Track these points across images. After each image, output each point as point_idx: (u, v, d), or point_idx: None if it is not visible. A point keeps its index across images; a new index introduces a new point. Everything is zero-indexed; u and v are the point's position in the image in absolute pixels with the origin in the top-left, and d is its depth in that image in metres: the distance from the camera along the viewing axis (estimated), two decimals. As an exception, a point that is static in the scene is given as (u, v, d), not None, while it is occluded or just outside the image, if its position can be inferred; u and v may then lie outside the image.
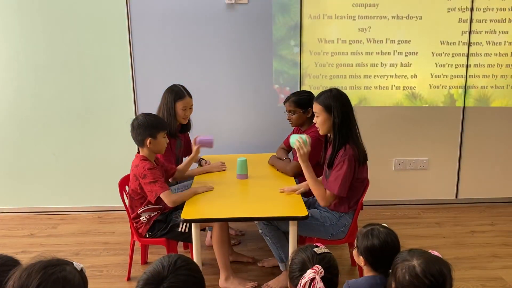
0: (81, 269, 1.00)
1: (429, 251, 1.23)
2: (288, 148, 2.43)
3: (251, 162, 2.18)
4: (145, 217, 1.90)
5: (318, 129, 1.83)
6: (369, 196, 2.13)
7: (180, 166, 2.14)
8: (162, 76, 2.61)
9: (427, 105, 2.69)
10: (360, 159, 1.72)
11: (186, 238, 1.85)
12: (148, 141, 1.81)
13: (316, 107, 1.79)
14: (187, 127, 2.31)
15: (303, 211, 1.69)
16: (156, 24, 2.63)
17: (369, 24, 2.50)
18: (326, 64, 2.58)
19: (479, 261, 2.24)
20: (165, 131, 1.86)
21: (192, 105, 2.21)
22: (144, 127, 1.84)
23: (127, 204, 1.92)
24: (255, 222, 1.93)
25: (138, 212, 1.85)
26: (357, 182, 1.75)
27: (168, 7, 2.60)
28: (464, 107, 2.82)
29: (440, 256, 1.22)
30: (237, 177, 2.09)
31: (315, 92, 2.08)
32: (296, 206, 1.76)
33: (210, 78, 2.71)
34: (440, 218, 2.78)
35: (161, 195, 1.77)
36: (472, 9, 2.57)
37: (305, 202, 1.78)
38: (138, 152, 1.88)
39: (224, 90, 2.74)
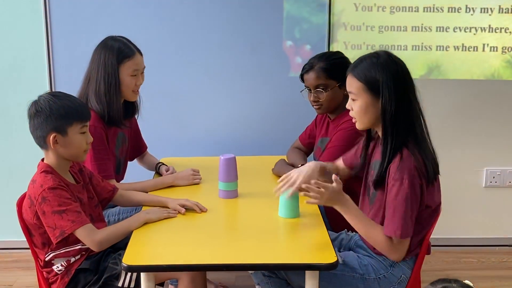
0: None
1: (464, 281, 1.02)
2: (306, 149, 2.13)
3: (244, 169, 1.85)
4: (60, 265, 1.53)
5: (353, 120, 1.55)
6: (440, 230, 1.83)
7: (127, 185, 1.86)
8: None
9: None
10: (429, 174, 1.40)
11: None
12: (51, 139, 1.44)
13: (352, 84, 1.46)
14: (133, 107, 1.97)
15: (329, 255, 1.37)
16: None
17: None
18: (373, 6, 2.26)
19: None
20: (84, 121, 1.51)
21: (144, 67, 1.93)
22: (46, 116, 1.45)
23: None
24: (250, 272, 1.76)
25: (46, 257, 1.52)
26: (423, 211, 1.46)
27: None
28: None
29: None
30: (219, 195, 1.77)
31: (353, 56, 1.71)
32: (317, 246, 1.48)
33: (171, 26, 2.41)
34: None
35: (77, 234, 1.44)
36: None
37: (334, 240, 1.61)
38: (42, 159, 1.57)
39: (199, 47, 2.42)
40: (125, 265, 1.31)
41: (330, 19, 2.31)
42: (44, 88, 2.32)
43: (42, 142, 1.48)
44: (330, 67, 1.83)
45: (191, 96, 2.42)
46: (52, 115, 1.43)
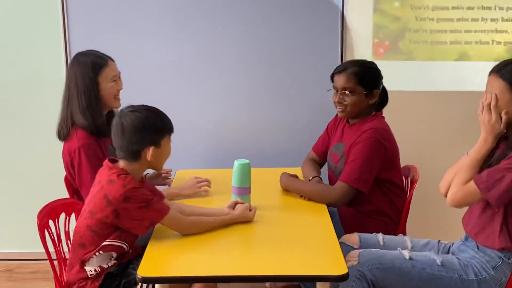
0: None
1: None
2: (320, 159, 2.19)
3: (257, 181, 1.88)
4: (94, 270, 1.63)
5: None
6: None
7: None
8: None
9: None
10: None
11: None
12: (150, 152, 1.58)
13: (494, 84, 1.61)
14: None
15: (340, 267, 1.42)
16: None
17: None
18: (426, 18, 2.77)
19: None
20: (172, 132, 1.68)
21: (120, 72, 2.00)
22: (144, 130, 1.58)
23: (59, 249, 1.78)
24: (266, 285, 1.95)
25: (88, 258, 1.61)
26: None
27: None
28: None
29: None
30: (232, 192, 1.81)
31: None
32: (328, 258, 1.52)
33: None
34: None
35: (166, 221, 1.57)
36: None
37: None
38: (110, 161, 1.66)
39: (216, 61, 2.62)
40: (140, 276, 1.37)
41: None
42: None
43: (136, 155, 1.59)
44: (363, 74, 1.88)
45: (204, 108, 2.52)
46: (147, 130, 1.56)
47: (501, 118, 1.57)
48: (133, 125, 1.56)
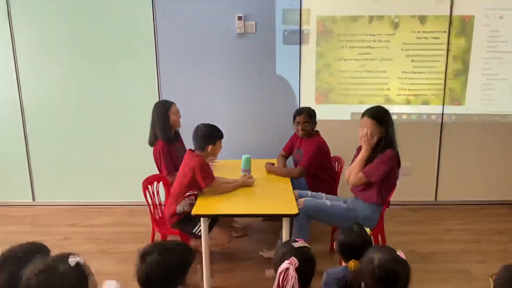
0: (77, 264, 1.23)
1: (397, 251, 1.46)
2: (287, 154, 3.41)
3: (253, 166, 3.04)
4: (181, 209, 2.58)
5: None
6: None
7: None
8: (180, 87, 3.89)
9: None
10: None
11: (197, 237, 2.54)
12: (209, 148, 2.61)
13: (369, 121, 2.60)
14: (178, 133, 3.23)
15: (294, 209, 2.41)
16: (178, 42, 3.84)
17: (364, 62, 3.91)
18: (343, 82, 3.91)
19: (451, 256, 3.09)
20: (222, 138, 2.68)
21: (178, 110, 3.16)
22: (208, 136, 2.62)
23: (153, 200, 2.84)
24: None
25: (180, 201, 2.59)
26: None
27: (190, 29, 3.83)
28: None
29: (403, 257, 1.45)
30: (242, 172, 2.94)
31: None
32: (287, 203, 2.51)
33: (219, 91, 3.96)
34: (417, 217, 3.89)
35: (214, 183, 2.59)
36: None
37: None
38: (192, 150, 2.67)
39: (231, 102, 3.99)
40: (192, 214, 2.35)
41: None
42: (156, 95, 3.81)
43: (203, 148, 2.59)
44: (312, 113, 3.14)
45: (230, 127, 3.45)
46: (211, 136, 2.61)
47: (372, 139, 2.56)
48: (202, 133, 2.61)
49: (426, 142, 4.00)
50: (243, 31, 3.74)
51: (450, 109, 3.91)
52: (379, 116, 2.58)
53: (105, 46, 3.79)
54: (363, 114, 2.63)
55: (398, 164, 2.61)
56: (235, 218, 3.44)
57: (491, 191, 4.10)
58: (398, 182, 2.73)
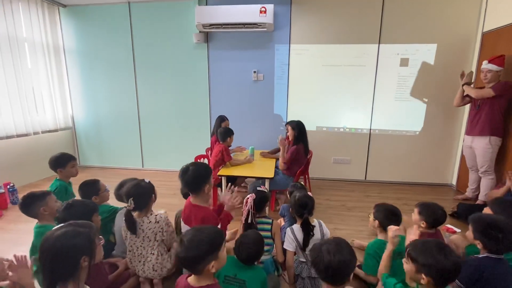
0: (149, 182, 2.81)
1: (308, 192, 2.79)
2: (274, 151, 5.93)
3: (256, 153, 5.75)
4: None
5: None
6: (318, 174, 6.17)
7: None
8: (223, 106, 6.47)
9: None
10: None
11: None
12: (228, 139, 4.96)
13: (290, 130, 4.84)
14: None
15: (271, 174, 4.43)
16: (224, 84, 6.36)
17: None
18: (324, 104, 6.18)
19: (360, 208, 5.46)
20: (233, 135, 5.04)
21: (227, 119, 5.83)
22: (225, 133, 5.03)
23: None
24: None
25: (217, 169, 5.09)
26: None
27: (228, 75, 6.39)
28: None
29: (310, 194, 2.78)
30: (248, 155, 5.27)
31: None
32: (268, 170, 4.61)
33: (240, 115, 6.45)
34: (352, 189, 6.13)
35: (230, 161, 4.85)
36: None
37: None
38: (219, 142, 5.07)
39: (248, 120, 6.43)
40: (219, 174, 4.63)
41: (288, 108, 6.29)
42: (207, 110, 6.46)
43: (224, 140, 4.99)
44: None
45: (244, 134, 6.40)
46: (228, 133, 5.02)
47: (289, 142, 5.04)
48: (222, 131, 4.87)
49: (360, 145, 6.25)
50: (256, 79, 6.08)
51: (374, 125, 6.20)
52: (292, 124, 4.78)
53: (181, 80, 6.45)
54: (286, 124, 4.93)
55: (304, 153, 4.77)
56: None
57: (404, 175, 6.20)
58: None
